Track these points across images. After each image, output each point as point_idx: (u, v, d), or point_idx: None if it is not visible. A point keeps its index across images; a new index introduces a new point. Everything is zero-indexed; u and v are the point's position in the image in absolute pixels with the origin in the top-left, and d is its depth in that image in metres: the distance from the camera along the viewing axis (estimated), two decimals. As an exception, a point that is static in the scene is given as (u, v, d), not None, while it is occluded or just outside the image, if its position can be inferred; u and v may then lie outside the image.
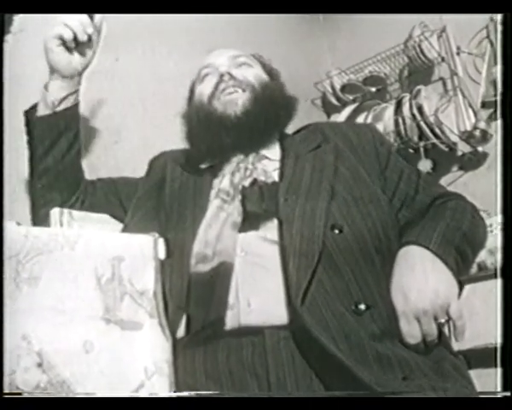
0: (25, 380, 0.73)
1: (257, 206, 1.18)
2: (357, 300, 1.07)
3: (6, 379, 0.71)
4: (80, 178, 1.36)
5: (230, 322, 1.07)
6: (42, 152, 1.31)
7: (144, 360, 0.81)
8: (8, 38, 1.43)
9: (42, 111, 1.32)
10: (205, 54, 1.44)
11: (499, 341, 1.01)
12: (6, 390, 0.71)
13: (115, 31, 1.67)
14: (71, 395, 0.77)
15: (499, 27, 1.77)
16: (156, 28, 1.74)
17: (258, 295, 1.08)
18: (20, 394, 0.74)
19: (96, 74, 1.56)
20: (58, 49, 1.27)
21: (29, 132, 1.33)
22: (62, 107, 1.31)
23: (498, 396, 0.97)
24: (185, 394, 0.88)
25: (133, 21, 1.68)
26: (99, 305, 0.80)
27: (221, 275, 1.10)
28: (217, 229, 1.15)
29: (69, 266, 0.80)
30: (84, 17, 1.27)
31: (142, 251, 0.87)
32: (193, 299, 1.09)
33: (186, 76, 1.47)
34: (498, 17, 1.68)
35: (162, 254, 0.89)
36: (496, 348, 1.02)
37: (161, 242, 0.89)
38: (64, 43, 1.27)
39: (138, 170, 1.51)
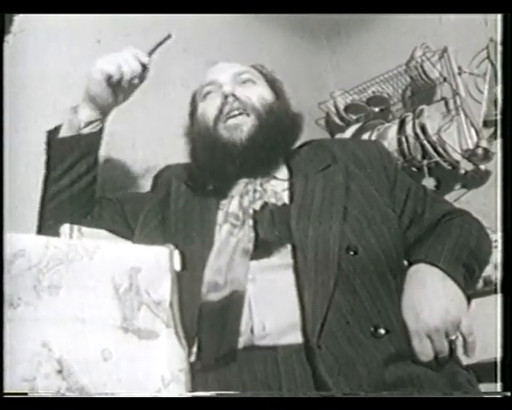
0: (45, 386, 0.74)
1: (269, 232, 1.17)
2: (376, 323, 1.07)
3: (27, 384, 0.73)
4: (92, 203, 1.35)
5: (243, 343, 1.07)
6: (59, 172, 1.30)
7: (161, 368, 0.82)
8: (9, 38, 1.44)
9: (65, 132, 1.31)
10: (206, 67, 1.45)
11: (499, 355, 1.01)
12: (28, 394, 0.72)
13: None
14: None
15: (499, 47, 1.80)
16: (161, 22, 1.75)
17: (273, 319, 1.08)
18: (20, 394, 0.75)
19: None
20: (101, 84, 1.27)
21: (49, 152, 1.32)
22: (87, 130, 1.31)
23: (498, 396, 0.97)
24: (198, 394, 0.88)
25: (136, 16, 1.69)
26: (117, 314, 0.81)
27: (233, 304, 1.09)
28: (227, 256, 1.14)
29: (88, 275, 0.81)
30: (137, 66, 1.29)
31: (158, 262, 0.88)
32: (204, 328, 1.08)
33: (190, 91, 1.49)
34: (498, 38, 1.71)
35: (178, 266, 0.91)
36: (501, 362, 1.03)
37: (177, 253, 0.91)
38: (109, 80, 1.27)
39: (144, 186, 1.53)
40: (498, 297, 1.06)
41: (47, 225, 1.29)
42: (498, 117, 1.77)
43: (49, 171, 1.31)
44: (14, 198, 1.35)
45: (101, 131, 1.34)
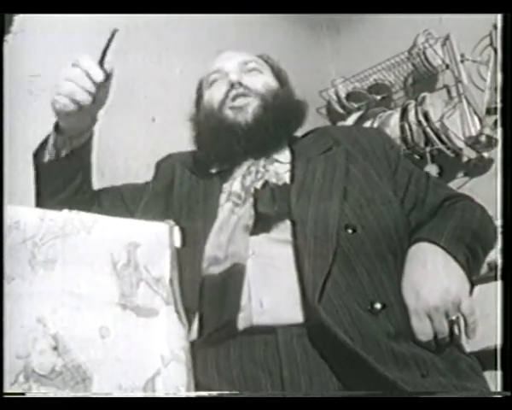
0: (40, 364, 0.71)
1: (269, 208, 1.17)
2: (373, 299, 1.07)
3: (21, 362, 0.70)
4: (93, 199, 1.30)
5: (243, 323, 1.06)
6: (52, 190, 1.23)
7: (160, 347, 0.80)
8: (9, 38, 1.44)
9: (51, 153, 1.21)
10: (212, 56, 1.45)
11: (499, 343, 1.00)
12: (21, 375, 0.70)
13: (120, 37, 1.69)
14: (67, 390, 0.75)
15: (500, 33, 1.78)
16: (162, 32, 1.75)
17: (271, 296, 1.08)
18: (20, 394, 0.73)
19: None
20: (68, 115, 1.13)
21: (38, 176, 1.24)
22: (77, 144, 1.21)
23: (498, 396, 0.96)
24: (195, 394, 0.86)
25: (138, 26, 1.69)
26: (115, 290, 0.79)
27: (233, 277, 1.09)
28: (228, 232, 1.15)
29: (85, 250, 0.79)
30: (90, 86, 1.10)
31: (157, 238, 0.86)
32: (205, 302, 1.09)
33: (193, 81, 1.48)
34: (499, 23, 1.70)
35: (178, 242, 0.89)
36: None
37: (177, 230, 0.89)
38: (68, 113, 1.13)
39: (145, 176, 1.51)
40: (498, 284, 1.04)
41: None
42: (499, 105, 1.75)
43: (39, 189, 1.24)
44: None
45: (90, 139, 1.24)
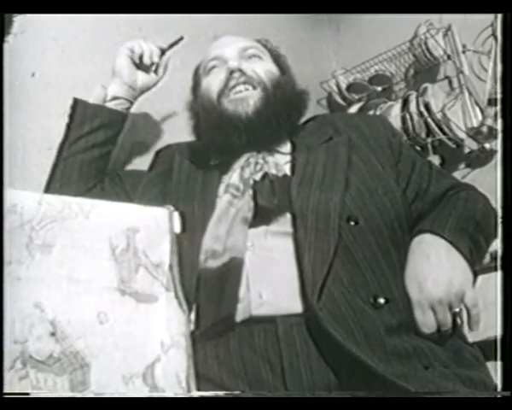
0: (38, 349, 0.70)
1: (268, 200, 1.16)
2: (376, 293, 1.06)
3: (18, 347, 0.69)
4: (100, 177, 1.33)
5: (241, 314, 1.05)
6: (77, 136, 1.30)
7: (160, 333, 0.79)
8: (9, 38, 1.43)
9: (92, 101, 1.33)
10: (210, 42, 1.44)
11: (499, 333, 0.99)
12: (18, 361, 0.69)
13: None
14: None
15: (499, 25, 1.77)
16: (159, 22, 1.72)
17: (270, 287, 1.07)
18: (20, 394, 0.72)
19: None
20: (125, 58, 1.34)
21: (71, 115, 1.32)
22: (112, 104, 1.33)
23: (498, 396, 0.95)
24: (198, 394, 0.85)
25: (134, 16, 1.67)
26: (114, 276, 0.78)
27: (231, 271, 1.08)
28: (227, 224, 1.13)
29: (83, 234, 0.78)
30: (155, 48, 1.37)
31: (157, 223, 0.84)
32: (203, 295, 1.07)
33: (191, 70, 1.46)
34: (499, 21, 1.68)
35: (178, 228, 0.87)
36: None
37: (176, 215, 0.87)
38: (132, 55, 1.34)
39: (144, 164, 1.50)
40: (498, 275, 1.03)
41: (54, 187, 1.28)
42: (498, 96, 1.73)
43: (67, 133, 1.31)
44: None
45: (126, 111, 1.35)
